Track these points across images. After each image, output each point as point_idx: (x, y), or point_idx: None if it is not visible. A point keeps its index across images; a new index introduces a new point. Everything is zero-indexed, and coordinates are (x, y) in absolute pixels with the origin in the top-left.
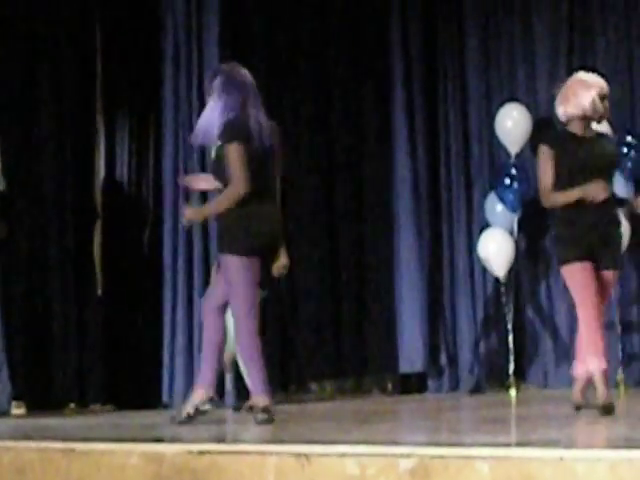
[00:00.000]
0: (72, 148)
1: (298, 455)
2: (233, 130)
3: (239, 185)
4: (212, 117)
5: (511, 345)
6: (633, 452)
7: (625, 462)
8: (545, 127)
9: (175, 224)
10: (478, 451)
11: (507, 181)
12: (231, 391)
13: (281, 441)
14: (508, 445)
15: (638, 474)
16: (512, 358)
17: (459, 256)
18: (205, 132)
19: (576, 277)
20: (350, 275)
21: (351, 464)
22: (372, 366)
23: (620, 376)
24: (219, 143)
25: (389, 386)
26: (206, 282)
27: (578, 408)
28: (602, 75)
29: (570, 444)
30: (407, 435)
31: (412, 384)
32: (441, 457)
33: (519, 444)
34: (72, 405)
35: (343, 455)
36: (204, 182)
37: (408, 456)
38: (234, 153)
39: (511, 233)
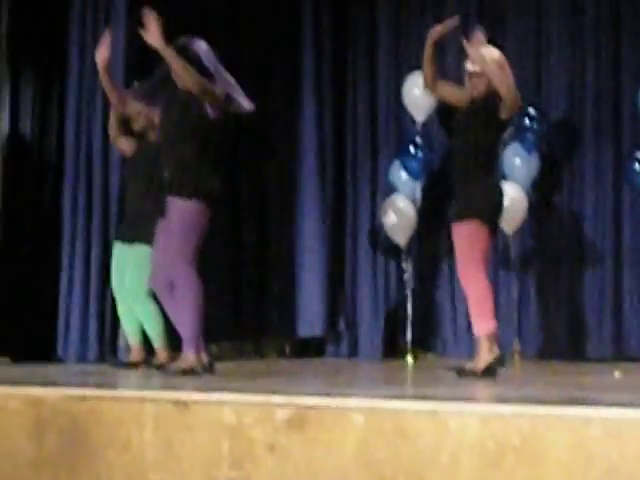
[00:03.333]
0: None
1: (176, 402)
2: None
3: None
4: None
5: (409, 312)
6: (503, 407)
7: (496, 417)
8: None
9: (76, 179)
10: (354, 402)
11: (412, 149)
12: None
13: (160, 388)
14: (383, 397)
15: (508, 428)
16: (410, 325)
17: (362, 222)
18: None
19: (478, 238)
20: (250, 238)
21: (229, 412)
22: (271, 329)
23: (516, 346)
24: None
25: (287, 349)
26: (104, 240)
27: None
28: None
29: (444, 399)
30: (287, 387)
31: (310, 348)
32: (317, 408)
33: (395, 397)
34: None
35: (221, 403)
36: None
37: (285, 406)
38: None
39: (414, 201)
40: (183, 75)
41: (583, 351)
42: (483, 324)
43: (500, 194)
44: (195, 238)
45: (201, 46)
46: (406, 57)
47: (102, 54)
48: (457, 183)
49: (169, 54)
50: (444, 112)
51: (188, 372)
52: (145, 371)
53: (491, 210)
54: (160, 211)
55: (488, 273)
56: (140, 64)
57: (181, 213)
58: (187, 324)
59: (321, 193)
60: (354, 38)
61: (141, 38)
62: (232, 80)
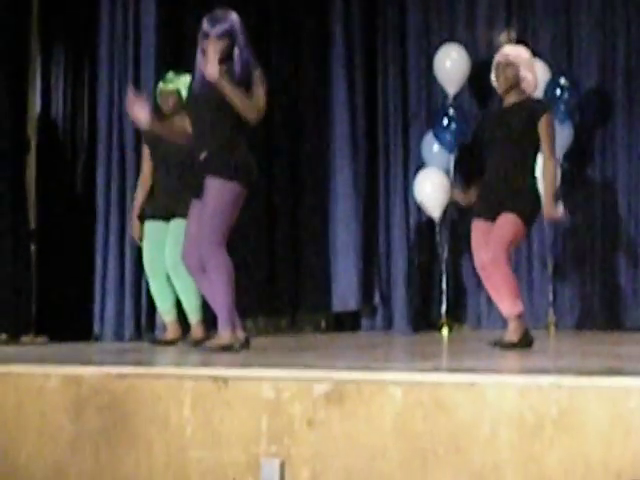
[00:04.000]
0: (6, 81)
1: (215, 378)
2: None
3: (256, 112)
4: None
5: (444, 286)
6: (541, 378)
7: (534, 387)
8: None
9: (109, 159)
10: (391, 376)
11: (445, 121)
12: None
13: (199, 364)
14: (421, 371)
15: (545, 399)
16: (445, 298)
17: (395, 196)
18: None
19: (519, 237)
20: (285, 214)
21: (267, 388)
22: (306, 304)
23: (551, 317)
24: None
25: (322, 324)
26: None
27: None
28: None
29: (481, 371)
30: (324, 362)
31: (346, 322)
32: (355, 382)
33: (432, 370)
34: (3, 335)
35: (260, 379)
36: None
37: (322, 381)
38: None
39: (447, 173)
40: (243, 109)
41: (619, 321)
42: (515, 302)
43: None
44: (231, 219)
45: (238, 23)
46: (436, 30)
47: (140, 114)
48: (509, 172)
49: (228, 89)
50: (476, 83)
51: (225, 349)
52: (182, 348)
53: (539, 211)
54: (196, 191)
55: None
56: (172, 52)
57: (220, 194)
58: (222, 303)
59: (354, 168)
60: (384, 12)
61: (172, 26)
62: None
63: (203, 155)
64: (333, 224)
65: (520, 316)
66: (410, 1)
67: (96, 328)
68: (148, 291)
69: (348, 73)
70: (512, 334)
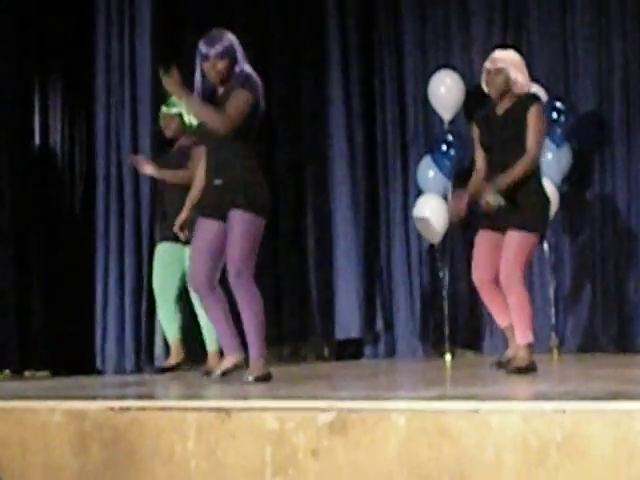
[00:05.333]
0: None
1: (218, 410)
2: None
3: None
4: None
5: (446, 311)
6: (545, 404)
7: (537, 413)
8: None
9: (107, 190)
10: (395, 404)
11: (444, 147)
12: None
13: (201, 397)
14: (425, 399)
15: (549, 424)
16: (447, 324)
17: (395, 222)
18: None
19: (532, 250)
20: (287, 242)
21: (271, 419)
22: (310, 333)
23: (554, 341)
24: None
25: (326, 352)
26: (137, 249)
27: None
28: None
29: (485, 398)
30: (328, 391)
31: (349, 350)
32: (358, 411)
33: (435, 397)
34: (7, 371)
35: (263, 410)
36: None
37: (327, 410)
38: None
39: (445, 199)
40: (211, 124)
41: (623, 344)
42: (526, 332)
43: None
44: (256, 250)
45: (235, 41)
46: (432, 55)
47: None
48: (517, 190)
49: (191, 103)
50: (472, 108)
51: (262, 379)
52: (192, 378)
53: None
54: (205, 210)
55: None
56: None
57: (248, 226)
58: (256, 333)
59: (353, 196)
60: (380, 38)
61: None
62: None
63: (218, 182)
64: (335, 251)
65: (530, 345)
66: (406, 27)
67: (98, 361)
68: (148, 323)
69: (346, 98)
70: (520, 361)
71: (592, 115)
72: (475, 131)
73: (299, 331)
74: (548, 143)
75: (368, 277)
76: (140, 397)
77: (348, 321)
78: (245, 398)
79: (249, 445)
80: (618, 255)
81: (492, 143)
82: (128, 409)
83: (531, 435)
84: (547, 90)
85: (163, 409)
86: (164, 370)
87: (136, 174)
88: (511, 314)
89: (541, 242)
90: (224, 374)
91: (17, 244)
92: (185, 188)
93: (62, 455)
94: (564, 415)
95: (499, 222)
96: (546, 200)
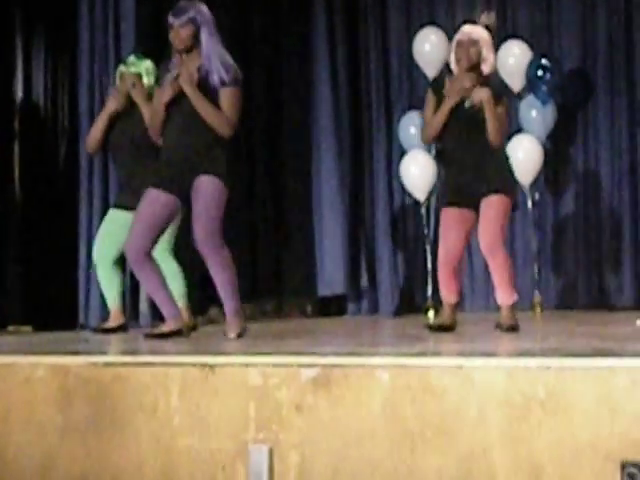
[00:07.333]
0: None
1: (202, 366)
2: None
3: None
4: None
5: (429, 268)
6: (529, 360)
7: (521, 370)
8: None
9: None
10: (378, 360)
11: None
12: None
13: (185, 353)
14: (408, 355)
15: (533, 380)
16: (430, 281)
17: (379, 178)
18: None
19: (509, 214)
20: (268, 198)
21: (254, 374)
22: (292, 289)
23: (537, 298)
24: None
25: (308, 308)
26: None
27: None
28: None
29: (468, 354)
30: (311, 347)
31: (332, 307)
32: (342, 366)
33: (419, 354)
34: None
35: (247, 365)
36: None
37: (310, 366)
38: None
39: (432, 156)
40: (217, 128)
41: (603, 301)
42: (509, 294)
43: None
44: (223, 215)
45: (203, 12)
46: (416, 14)
47: None
48: (485, 155)
49: (201, 103)
50: None
51: (240, 336)
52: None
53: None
54: (156, 181)
55: None
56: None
57: (215, 192)
58: (232, 295)
59: (338, 152)
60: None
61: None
62: (220, 50)
63: (184, 153)
64: (318, 207)
65: (512, 307)
66: None
67: (81, 317)
68: (132, 279)
69: (331, 55)
70: (507, 319)
71: (576, 72)
72: (431, 98)
73: (280, 287)
74: (533, 100)
75: (352, 233)
76: (123, 352)
77: (331, 277)
78: (229, 354)
79: (233, 401)
80: (600, 212)
81: (459, 123)
82: (112, 364)
83: (514, 392)
84: (531, 47)
85: (146, 364)
86: (104, 330)
87: None
88: (494, 276)
89: (514, 210)
90: (163, 336)
91: (2, 200)
92: (138, 149)
93: (45, 410)
94: (548, 372)
95: (469, 195)
96: (510, 162)
